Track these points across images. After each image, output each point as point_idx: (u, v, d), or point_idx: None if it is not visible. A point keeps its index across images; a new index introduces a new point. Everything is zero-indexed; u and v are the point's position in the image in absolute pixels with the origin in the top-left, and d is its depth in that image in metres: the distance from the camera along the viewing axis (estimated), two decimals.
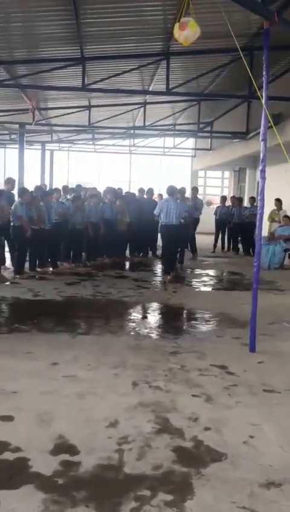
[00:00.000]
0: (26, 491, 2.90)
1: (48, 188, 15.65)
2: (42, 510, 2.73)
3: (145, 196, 14.28)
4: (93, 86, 11.39)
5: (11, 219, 10.19)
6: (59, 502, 2.80)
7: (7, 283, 9.43)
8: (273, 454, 3.40)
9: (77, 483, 2.99)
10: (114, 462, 3.24)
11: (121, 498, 2.85)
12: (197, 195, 15.24)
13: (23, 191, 10.71)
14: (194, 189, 15.24)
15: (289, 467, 3.24)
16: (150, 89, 13.47)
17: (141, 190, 14.56)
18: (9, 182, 11.82)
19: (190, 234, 12.84)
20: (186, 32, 6.36)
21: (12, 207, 10.14)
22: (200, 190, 16.42)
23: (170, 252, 10.92)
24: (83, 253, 12.30)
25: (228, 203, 16.70)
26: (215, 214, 15.77)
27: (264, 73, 5.63)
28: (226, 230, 15.75)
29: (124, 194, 14.29)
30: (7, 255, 11.11)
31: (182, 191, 12.64)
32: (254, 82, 6.27)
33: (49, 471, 3.10)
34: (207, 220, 15.99)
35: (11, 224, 10.17)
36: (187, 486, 3.00)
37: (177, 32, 6.46)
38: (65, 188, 14.15)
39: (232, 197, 17.17)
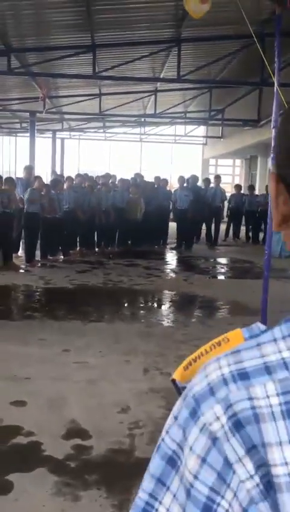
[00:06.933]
0: (38, 473, 2.95)
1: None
2: (54, 492, 2.78)
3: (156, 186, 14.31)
4: (104, 74, 11.35)
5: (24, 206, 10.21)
6: (71, 484, 2.85)
7: (21, 271, 9.49)
8: None
9: (89, 466, 3.04)
10: (125, 446, 3.28)
11: (132, 481, 2.89)
12: (220, 184, 15.25)
13: (56, 182, 11.17)
14: (217, 178, 15.40)
15: None
16: (161, 77, 13.40)
17: (157, 178, 14.58)
18: (25, 168, 11.95)
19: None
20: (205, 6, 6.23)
21: (27, 194, 10.15)
22: (211, 178, 16.37)
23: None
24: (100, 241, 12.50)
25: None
26: (229, 202, 15.74)
27: (276, 59, 5.61)
28: (238, 218, 15.75)
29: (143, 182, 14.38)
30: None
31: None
32: (268, 66, 6.21)
33: (62, 454, 3.16)
34: None
35: (25, 211, 10.17)
36: None
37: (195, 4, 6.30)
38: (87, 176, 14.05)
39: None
